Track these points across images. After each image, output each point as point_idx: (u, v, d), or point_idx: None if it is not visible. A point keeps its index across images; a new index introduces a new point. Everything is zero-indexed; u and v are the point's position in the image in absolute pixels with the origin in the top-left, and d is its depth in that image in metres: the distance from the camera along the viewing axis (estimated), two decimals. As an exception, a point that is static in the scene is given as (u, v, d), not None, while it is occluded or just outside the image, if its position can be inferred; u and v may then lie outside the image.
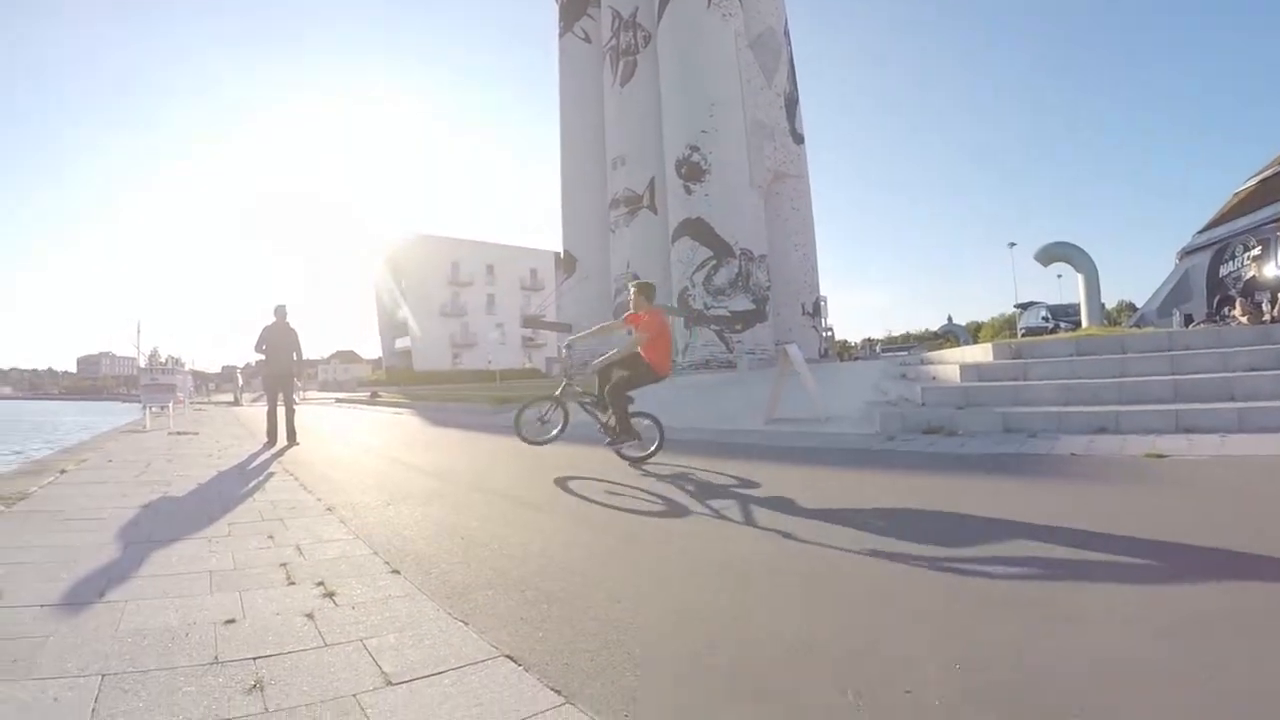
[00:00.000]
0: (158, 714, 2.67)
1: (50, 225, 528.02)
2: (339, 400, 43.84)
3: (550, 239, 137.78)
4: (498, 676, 2.94)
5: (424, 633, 3.46)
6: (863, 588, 4.11)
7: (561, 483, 8.23)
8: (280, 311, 13.50)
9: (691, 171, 41.68)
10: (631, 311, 9.50)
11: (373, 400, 41.68)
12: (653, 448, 9.53)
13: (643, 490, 7.52)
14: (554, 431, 9.70)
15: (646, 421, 9.67)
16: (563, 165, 55.60)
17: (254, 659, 3.15)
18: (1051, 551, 4.54)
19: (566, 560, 4.83)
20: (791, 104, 46.07)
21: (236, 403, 45.92)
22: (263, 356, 13.40)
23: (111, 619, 3.71)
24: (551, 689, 2.80)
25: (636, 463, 9.33)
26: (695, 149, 41.60)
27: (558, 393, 9.65)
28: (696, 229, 41.38)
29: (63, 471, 9.39)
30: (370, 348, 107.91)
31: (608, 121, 49.52)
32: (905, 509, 6.15)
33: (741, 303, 40.73)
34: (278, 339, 13.38)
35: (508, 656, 3.12)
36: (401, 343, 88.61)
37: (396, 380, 73.66)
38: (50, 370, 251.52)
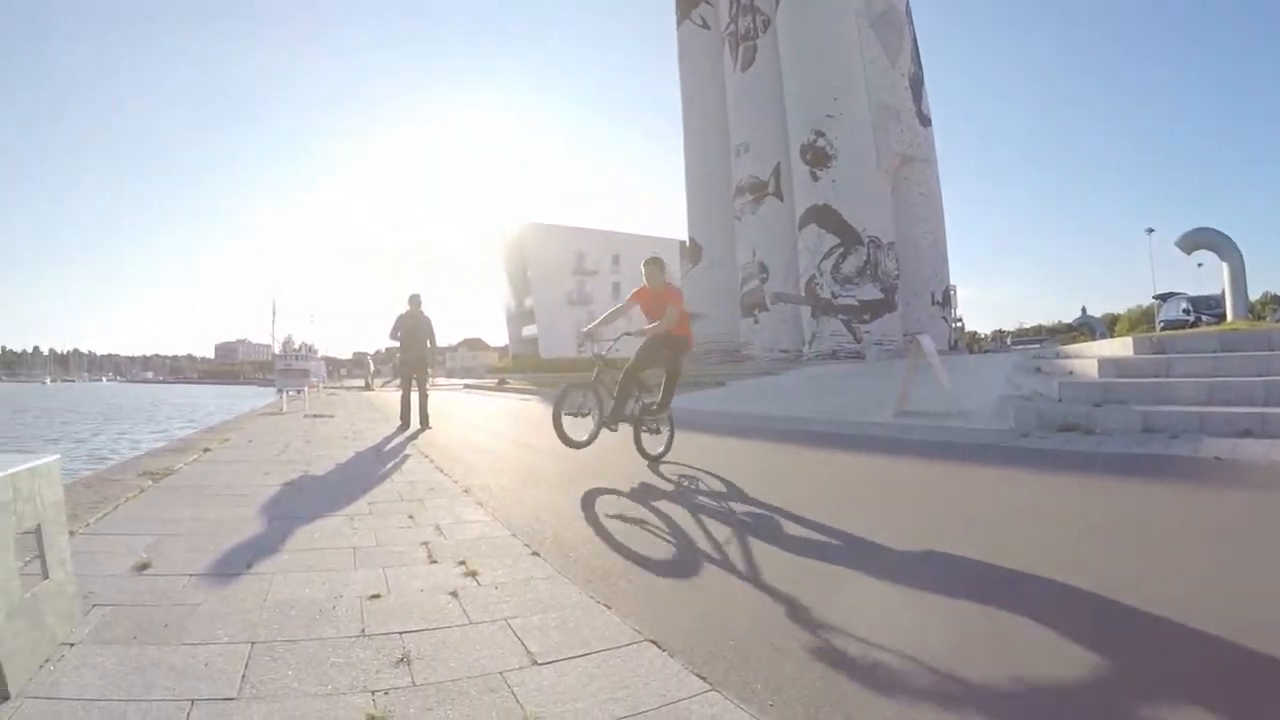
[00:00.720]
0: (307, 682, 2.76)
1: (197, 219, 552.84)
2: (467, 386, 44.53)
3: (676, 228, 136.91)
4: (642, 661, 2.92)
5: (567, 615, 3.45)
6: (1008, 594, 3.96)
7: (692, 470, 8.18)
8: (415, 300, 13.80)
9: (817, 157, 40.96)
10: (647, 287, 8.85)
11: (500, 387, 42.07)
12: (662, 448, 9.00)
13: (771, 479, 7.40)
14: (593, 428, 8.59)
15: (665, 415, 9.04)
16: (686, 153, 55.33)
17: (400, 633, 3.22)
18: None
19: (702, 548, 4.79)
20: (916, 84, 44.51)
21: (368, 387, 47.22)
22: (397, 343, 13.73)
23: (259, 590, 3.85)
24: (696, 675, 2.77)
25: (655, 461, 8.78)
26: (820, 134, 40.85)
27: (593, 379, 8.83)
28: (823, 216, 40.65)
29: (206, 450, 9.80)
30: (497, 335, 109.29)
31: (729, 108, 48.96)
32: (1066, 513, 5.86)
33: (869, 292, 39.80)
34: (412, 326, 13.69)
35: (651, 641, 3.10)
36: (528, 330, 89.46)
37: (523, 367, 74.26)
38: (190, 356, 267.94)
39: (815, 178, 41.13)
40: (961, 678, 2.76)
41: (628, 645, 3.07)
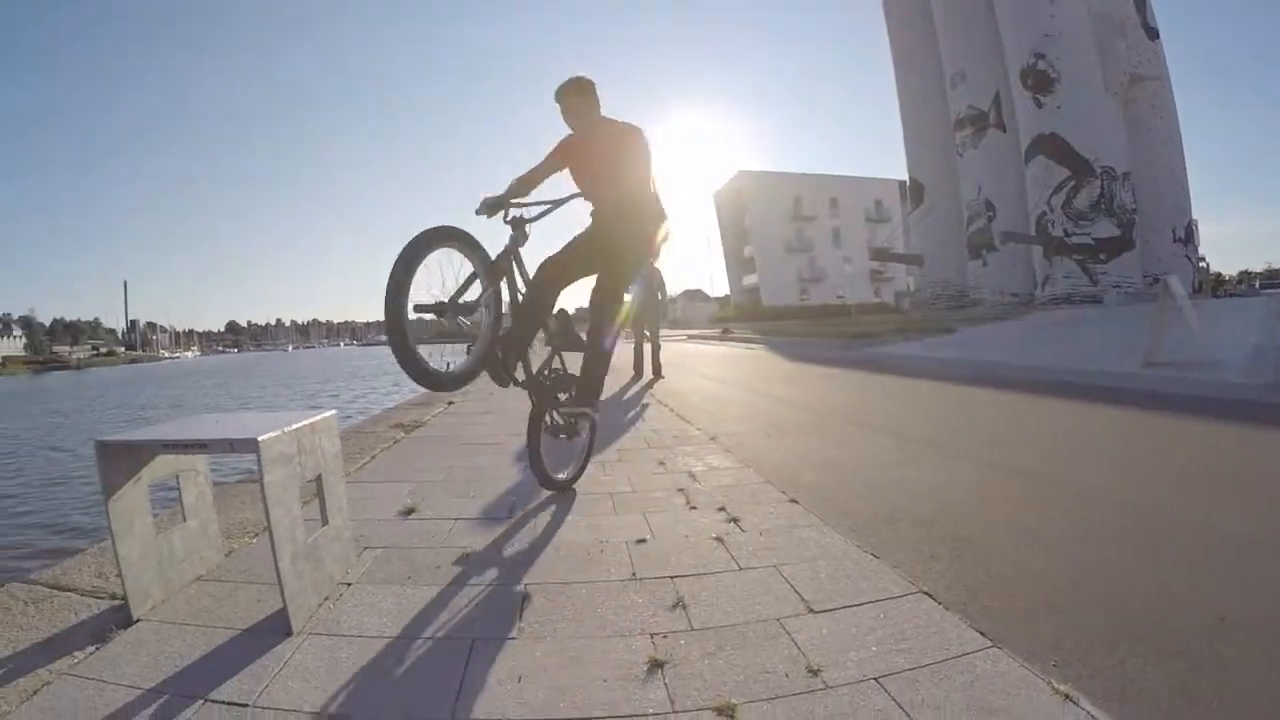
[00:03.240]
0: (586, 624, 2.77)
1: (432, 190, 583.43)
2: (690, 337, 44.60)
3: (894, 167, 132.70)
4: (919, 613, 2.75)
5: (837, 563, 3.28)
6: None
7: (936, 418, 7.80)
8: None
9: (1039, 81, 38.03)
10: (574, 136, 4.73)
11: (724, 337, 41.54)
12: (567, 473, 4.89)
13: (1033, 426, 6.94)
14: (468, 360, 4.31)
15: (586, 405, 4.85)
16: (898, 88, 52.69)
17: (671, 578, 3.16)
18: None
19: (965, 500, 4.47)
20: (1139, -10, 39.85)
21: None
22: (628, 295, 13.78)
23: (524, 534, 3.93)
24: (976, 630, 2.57)
25: (559, 488, 4.80)
26: (1040, 55, 37.80)
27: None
28: (1051, 146, 37.73)
29: (450, 403, 10.16)
30: (717, 285, 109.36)
31: (939, 34, 45.98)
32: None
33: (1105, 228, 36.69)
34: (643, 277, 13.53)
35: (925, 593, 2.92)
36: (749, 279, 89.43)
37: (745, 317, 74.38)
38: None
39: (1039, 104, 38.31)
40: None
41: (901, 596, 2.90)
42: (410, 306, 3.55)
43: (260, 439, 2.69)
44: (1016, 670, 2.28)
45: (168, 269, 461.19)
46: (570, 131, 4.68)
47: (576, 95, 4.56)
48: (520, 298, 4.35)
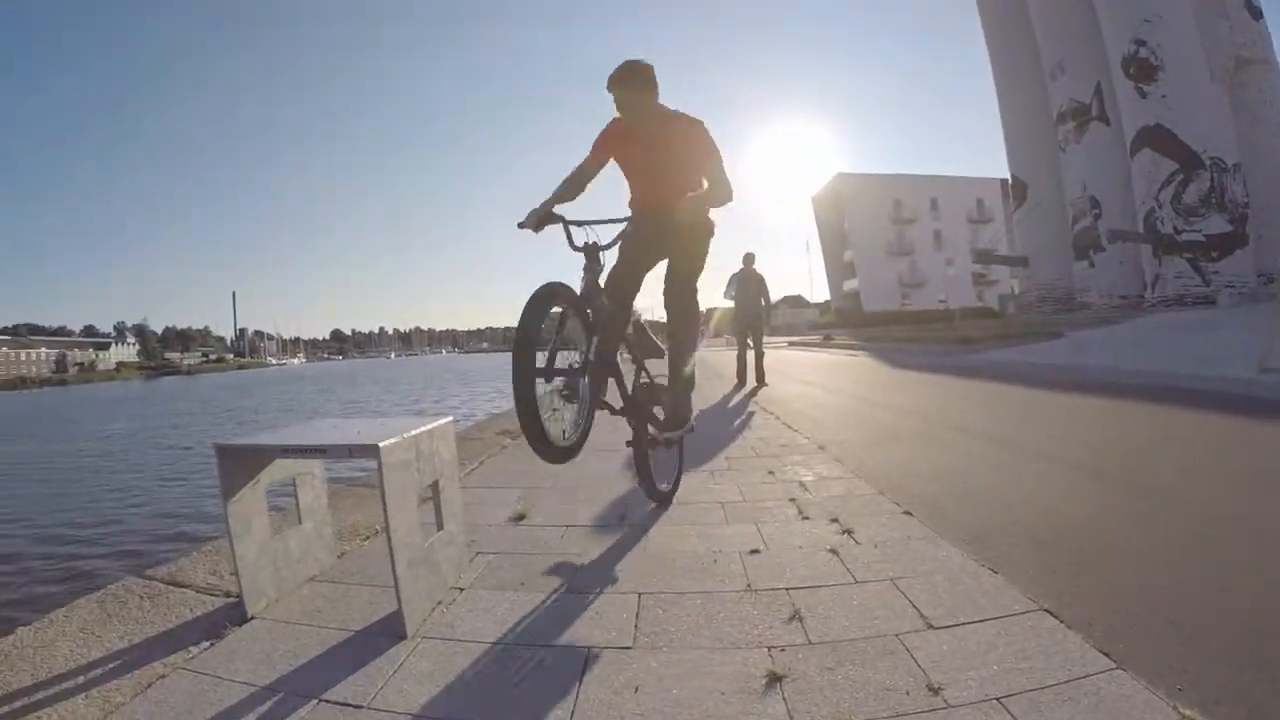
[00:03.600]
0: (702, 635, 2.72)
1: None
2: (791, 344, 44.03)
3: (995, 165, 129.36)
4: (1040, 631, 2.63)
5: (955, 578, 3.17)
6: None
7: (1047, 427, 7.54)
8: (748, 259, 13.66)
9: (1141, 70, 35.96)
10: (620, 123, 4.13)
11: (826, 343, 40.88)
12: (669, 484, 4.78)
13: (1148, 436, 6.66)
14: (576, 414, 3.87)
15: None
16: (996, 82, 50.82)
17: (787, 589, 3.11)
18: None
19: (1082, 513, 4.27)
20: (1238, -32, 37.55)
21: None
22: (731, 302, 13.76)
23: (637, 543, 3.91)
24: (1099, 651, 2.44)
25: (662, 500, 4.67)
26: (1141, 42, 35.75)
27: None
28: (1156, 138, 35.66)
29: (555, 409, 10.14)
30: (816, 291, 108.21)
31: (1036, 24, 44.22)
32: None
33: (1216, 224, 34.42)
34: (746, 285, 13.59)
35: (1047, 611, 2.78)
36: (849, 284, 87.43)
37: (845, 322, 73.34)
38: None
39: (1142, 94, 36.09)
40: None
41: (1022, 613, 2.77)
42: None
43: (381, 445, 2.72)
44: (1141, 694, 2.17)
45: (275, 279, 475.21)
46: (616, 117, 4.06)
47: (634, 87, 3.92)
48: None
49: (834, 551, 3.57)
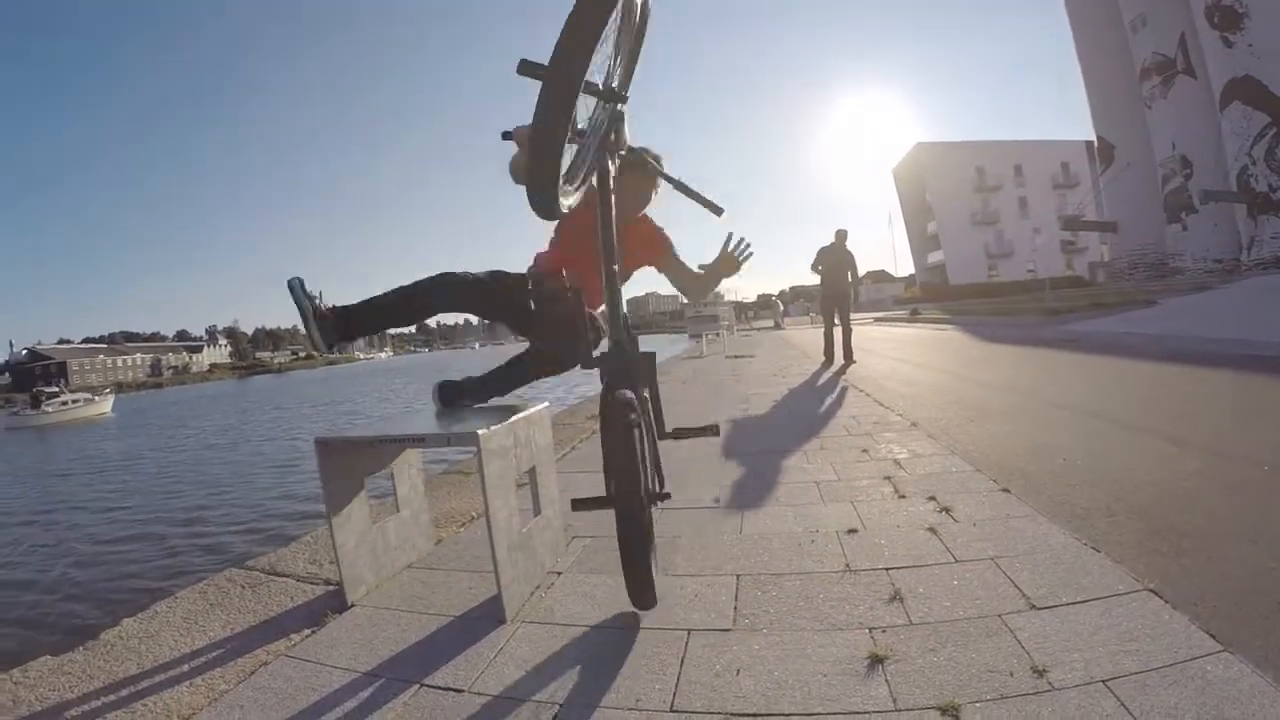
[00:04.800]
0: (800, 616, 2.69)
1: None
2: (877, 320, 43.21)
3: (1080, 128, 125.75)
4: (1145, 612, 2.53)
5: (1056, 557, 3.08)
6: None
7: (1145, 399, 7.30)
8: (840, 235, 13.48)
9: (1227, 18, 34.45)
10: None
11: (913, 318, 39.86)
12: None
13: (1254, 408, 6.40)
14: None
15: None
16: (1075, 38, 49.21)
17: (886, 569, 3.06)
18: None
19: (1185, 489, 4.08)
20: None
21: (778, 326, 47.89)
22: (818, 277, 13.61)
23: (732, 524, 3.89)
24: (1206, 632, 2.34)
25: None
26: None
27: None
28: (1246, 90, 34.26)
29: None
30: (900, 265, 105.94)
31: None
32: None
33: None
34: (835, 260, 13.43)
35: (1151, 591, 2.68)
36: (933, 257, 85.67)
37: (932, 296, 71.92)
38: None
39: (1229, 44, 34.66)
40: None
41: (1126, 594, 2.68)
42: None
43: (480, 433, 2.74)
44: (1249, 677, 2.08)
45: (360, 275, 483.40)
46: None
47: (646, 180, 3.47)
48: None
49: (932, 530, 3.50)
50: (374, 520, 3.27)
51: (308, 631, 2.81)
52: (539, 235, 3.92)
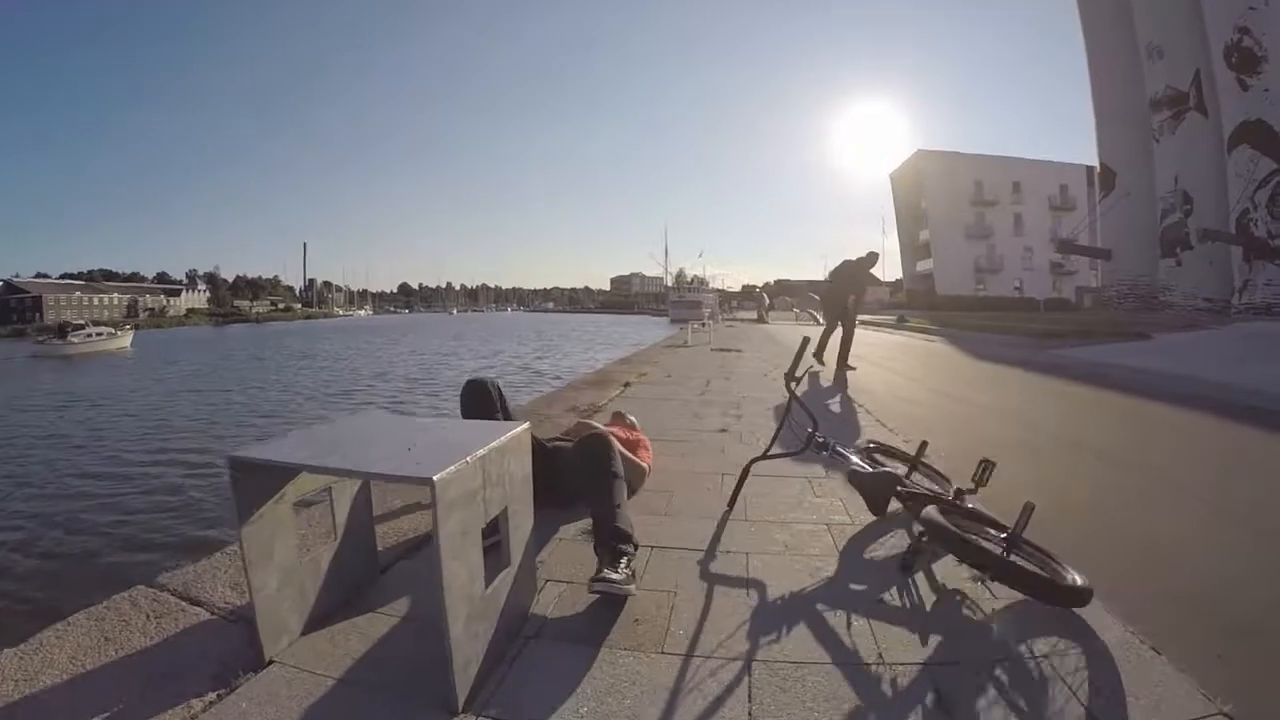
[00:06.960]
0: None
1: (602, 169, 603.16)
2: (862, 322, 42.97)
3: (1082, 152, 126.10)
4: None
5: (1116, 659, 2.58)
6: None
7: (1174, 450, 6.75)
8: (872, 258, 13.48)
9: (1244, 60, 33.65)
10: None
11: (900, 325, 39.72)
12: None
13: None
14: None
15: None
16: (1089, 62, 48.63)
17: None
18: None
19: (1236, 566, 3.65)
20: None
21: (761, 320, 47.60)
22: (828, 277, 13.45)
23: (739, 565, 3.43)
24: None
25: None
26: (1244, 30, 33.33)
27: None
28: (1256, 135, 33.46)
29: (627, 385, 9.85)
30: (888, 269, 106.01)
31: (1135, 2, 41.99)
32: None
33: None
34: (853, 273, 13.41)
35: (1225, 716, 2.23)
36: (923, 265, 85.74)
37: (917, 304, 71.98)
38: (587, 289, 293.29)
39: (1244, 86, 33.76)
40: None
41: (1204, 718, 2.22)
42: None
43: (435, 478, 2.05)
44: None
45: (345, 232, 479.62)
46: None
47: None
48: None
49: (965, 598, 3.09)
50: (305, 552, 2.67)
51: (212, 697, 2.25)
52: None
